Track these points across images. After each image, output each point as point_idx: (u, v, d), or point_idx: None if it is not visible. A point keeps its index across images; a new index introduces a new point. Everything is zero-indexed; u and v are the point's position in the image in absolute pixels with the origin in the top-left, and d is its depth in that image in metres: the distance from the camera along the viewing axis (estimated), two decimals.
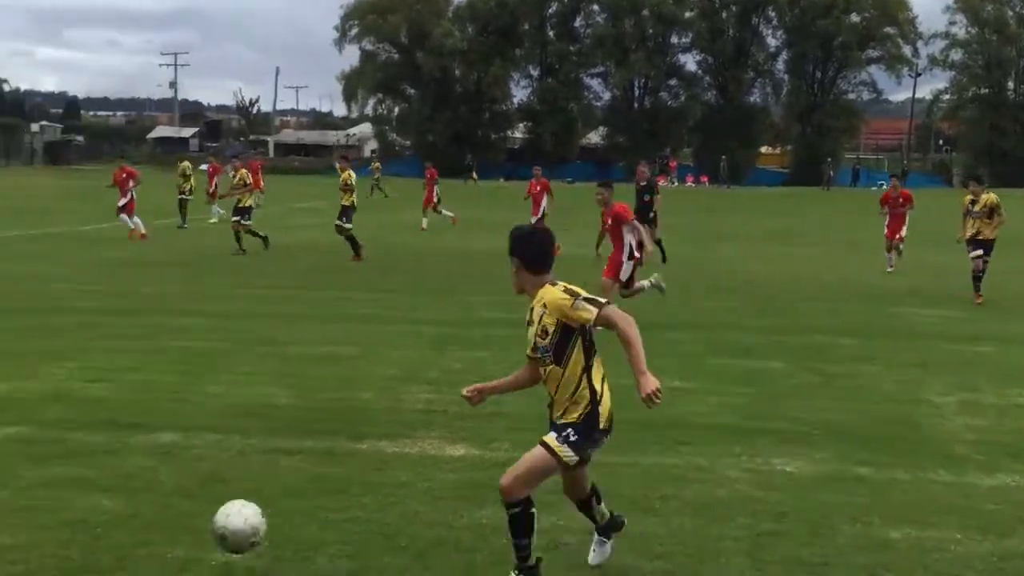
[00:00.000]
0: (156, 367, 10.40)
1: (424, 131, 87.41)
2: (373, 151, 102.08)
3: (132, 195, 25.74)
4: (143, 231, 25.34)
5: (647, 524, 6.21)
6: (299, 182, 72.05)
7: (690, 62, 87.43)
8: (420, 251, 23.59)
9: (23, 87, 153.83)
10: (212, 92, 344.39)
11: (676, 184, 71.34)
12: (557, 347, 5.07)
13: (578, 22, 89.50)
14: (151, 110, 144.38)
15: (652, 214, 21.47)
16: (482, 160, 78.94)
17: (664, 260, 20.52)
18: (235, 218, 22.39)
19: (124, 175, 26.19)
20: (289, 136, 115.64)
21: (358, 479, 7.02)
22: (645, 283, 13.78)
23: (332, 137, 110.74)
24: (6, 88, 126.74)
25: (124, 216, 25.66)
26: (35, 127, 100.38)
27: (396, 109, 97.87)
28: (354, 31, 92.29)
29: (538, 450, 5.05)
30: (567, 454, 5.00)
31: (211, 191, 31.87)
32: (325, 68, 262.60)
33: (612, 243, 13.65)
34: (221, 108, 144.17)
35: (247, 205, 22.61)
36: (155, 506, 6.35)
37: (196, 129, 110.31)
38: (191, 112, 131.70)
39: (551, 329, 5.05)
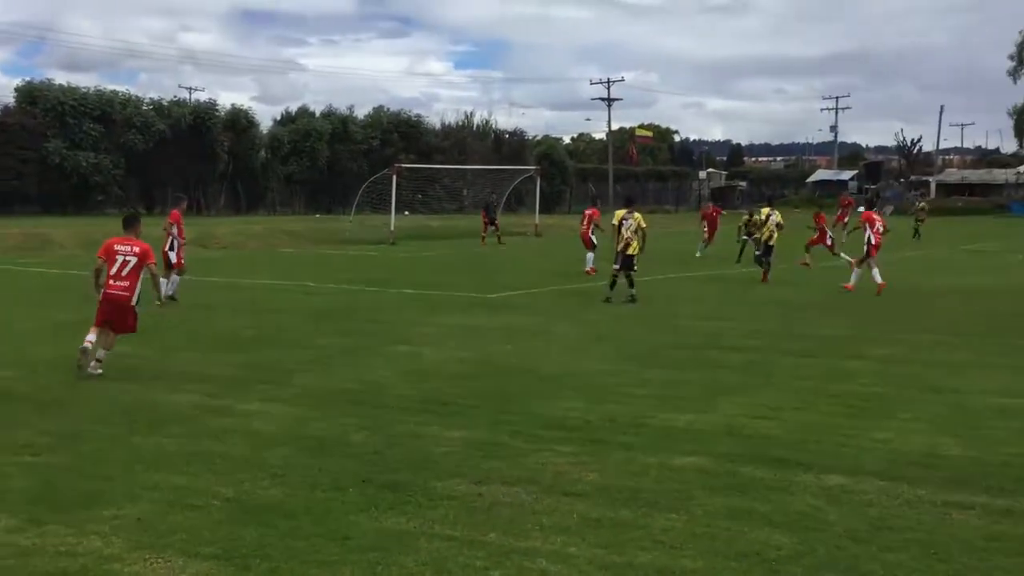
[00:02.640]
0: (820, 408, 10.49)
1: None
2: None
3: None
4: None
5: None
6: (964, 223, 68.98)
7: None
8: None
9: (692, 137, 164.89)
10: (871, 134, 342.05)
11: None
12: None
13: None
14: (810, 154, 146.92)
15: None
16: None
17: None
18: None
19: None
20: (952, 175, 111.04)
21: None
22: None
23: (1000, 176, 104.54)
24: (677, 138, 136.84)
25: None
26: (702, 174, 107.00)
27: None
28: None
29: None
30: None
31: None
32: (993, 104, 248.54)
33: None
34: (880, 149, 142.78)
35: None
36: (826, 546, 6.39)
37: (855, 171, 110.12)
38: (850, 154, 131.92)
39: None
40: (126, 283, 12.10)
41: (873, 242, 22.86)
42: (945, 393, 11.30)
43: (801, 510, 7.12)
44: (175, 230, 20.01)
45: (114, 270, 12.08)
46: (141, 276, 12.28)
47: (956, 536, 6.61)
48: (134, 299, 12.24)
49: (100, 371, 11.86)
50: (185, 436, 9.12)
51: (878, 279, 22.31)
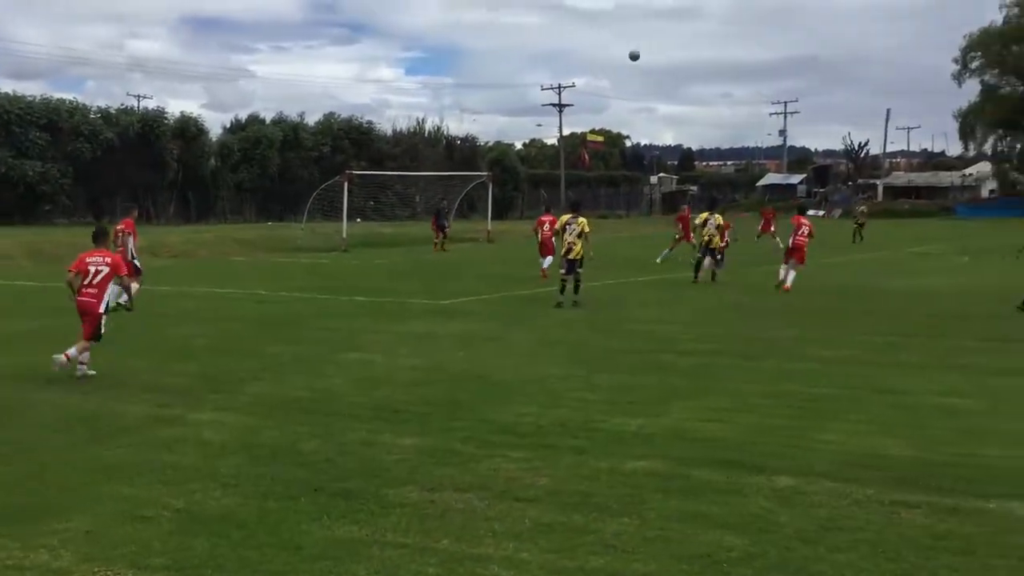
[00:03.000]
0: (770, 410, 10.60)
1: None
2: (992, 191, 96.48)
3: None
4: None
5: None
6: (910, 225, 69.99)
7: None
8: None
9: (644, 142, 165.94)
10: (820, 138, 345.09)
11: None
12: None
13: None
14: (760, 158, 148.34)
15: None
16: None
17: None
18: None
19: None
20: (899, 178, 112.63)
21: (986, 541, 6.61)
22: None
23: (946, 178, 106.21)
24: (628, 143, 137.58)
25: None
26: (653, 179, 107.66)
27: (1019, 146, 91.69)
28: (975, 64, 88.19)
29: None
30: None
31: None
32: (938, 107, 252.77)
33: None
34: (828, 153, 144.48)
35: None
36: (777, 548, 6.46)
37: (804, 175, 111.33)
38: (798, 158, 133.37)
39: None
40: (94, 291, 12.67)
41: (791, 244, 24.38)
42: (892, 394, 11.46)
43: (752, 512, 7.20)
44: (131, 241, 19.99)
45: (87, 280, 12.67)
46: (110, 286, 12.99)
47: (903, 535, 6.72)
48: (101, 307, 12.71)
49: (60, 372, 12.16)
50: (135, 446, 9.04)
51: (782, 277, 23.91)
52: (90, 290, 12.64)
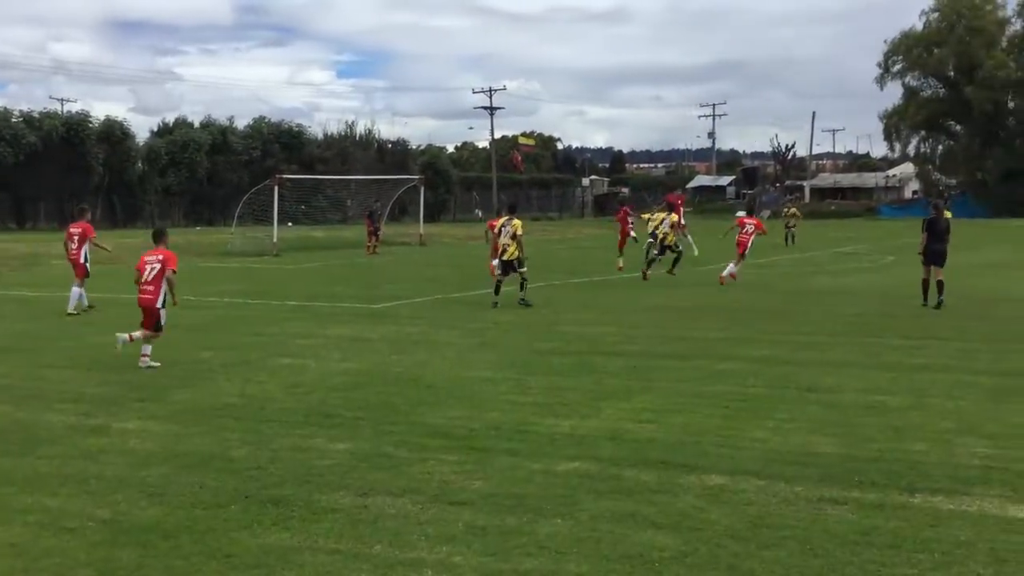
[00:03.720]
0: (701, 410, 10.69)
1: (973, 169, 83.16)
2: (915, 192, 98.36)
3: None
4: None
5: None
6: (837, 226, 71.10)
7: None
8: (983, 298, 22.14)
9: (575, 144, 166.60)
10: (748, 140, 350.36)
11: None
12: None
13: None
14: (689, 160, 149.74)
15: None
16: None
17: None
18: None
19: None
20: (825, 180, 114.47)
21: (911, 535, 6.73)
22: None
23: (870, 179, 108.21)
24: (560, 146, 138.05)
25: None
26: (585, 181, 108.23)
27: (940, 147, 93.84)
28: (897, 67, 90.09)
29: None
30: None
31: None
32: (862, 110, 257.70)
33: None
34: (757, 155, 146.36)
35: None
36: (708, 546, 6.52)
37: (733, 177, 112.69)
38: (728, 160, 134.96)
39: None
40: (151, 287, 13.83)
41: (736, 239, 26.87)
42: (819, 392, 11.63)
43: (683, 511, 7.26)
44: (87, 244, 20.56)
45: (144, 277, 13.87)
46: (164, 282, 13.88)
47: (831, 531, 6.81)
48: (159, 302, 13.81)
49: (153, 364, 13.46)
50: (59, 457, 8.86)
51: (725, 272, 26.05)
52: (147, 287, 13.76)
